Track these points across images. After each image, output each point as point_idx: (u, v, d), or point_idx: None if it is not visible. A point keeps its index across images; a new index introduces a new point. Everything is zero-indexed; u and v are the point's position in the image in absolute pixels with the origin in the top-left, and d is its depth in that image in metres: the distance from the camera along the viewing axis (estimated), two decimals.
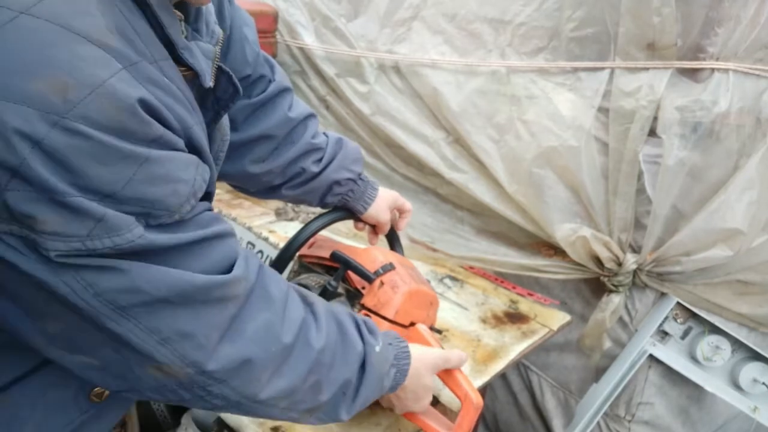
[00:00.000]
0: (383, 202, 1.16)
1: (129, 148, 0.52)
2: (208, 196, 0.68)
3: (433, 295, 1.07)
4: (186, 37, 0.70)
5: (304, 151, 1.06)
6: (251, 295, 0.66)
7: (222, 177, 1.07)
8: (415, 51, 1.70)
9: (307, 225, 1.08)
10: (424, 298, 1.03)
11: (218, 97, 0.75)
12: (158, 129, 0.55)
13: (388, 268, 1.01)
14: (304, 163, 1.06)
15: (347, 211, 1.15)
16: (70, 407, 0.70)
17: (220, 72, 0.72)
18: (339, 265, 1.00)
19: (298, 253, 1.09)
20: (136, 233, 0.54)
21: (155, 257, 0.57)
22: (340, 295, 1.01)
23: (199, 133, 0.63)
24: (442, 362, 0.92)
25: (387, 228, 1.20)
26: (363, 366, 0.77)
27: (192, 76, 0.67)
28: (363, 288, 1.00)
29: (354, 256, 1.01)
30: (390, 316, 0.97)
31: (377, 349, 0.79)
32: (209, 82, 0.66)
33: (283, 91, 1.05)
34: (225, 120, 0.82)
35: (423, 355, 0.89)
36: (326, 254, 1.05)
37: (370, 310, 0.98)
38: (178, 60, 0.64)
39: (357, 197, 1.13)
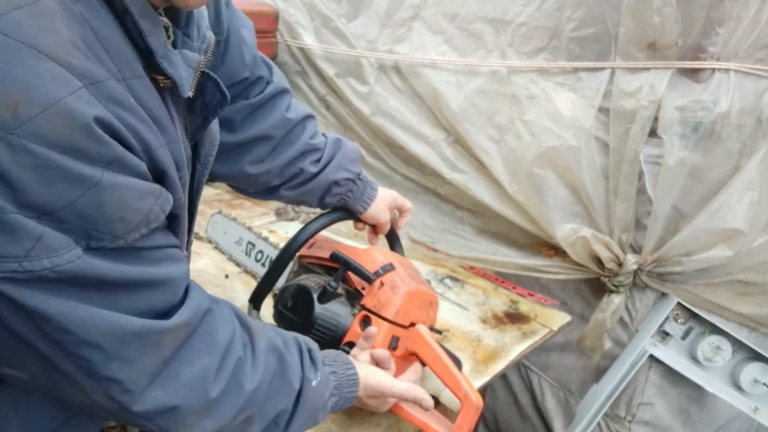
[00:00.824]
0: (382, 202, 1.16)
1: (79, 169, 0.51)
2: (173, 219, 0.67)
3: (432, 295, 1.06)
4: (174, 43, 0.69)
5: (302, 151, 1.06)
6: (191, 339, 0.66)
7: (221, 178, 1.07)
8: (415, 51, 1.70)
9: (306, 225, 1.08)
10: (423, 299, 1.03)
11: (206, 102, 0.74)
12: (117, 150, 0.54)
13: (388, 268, 1.01)
14: (302, 163, 1.06)
15: (347, 211, 1.15)
16: (52, 406, 0.70)
17: (207, 78, 0.71)
18: (339, 266, 1.00)
19: (298, 254, 1.09)
20: (75, 254, 0.53)
21: (92, 290, 0.56)
22: (340, 295, 1.00)
23: (164, 156, 0.61)
24: (377, 391, 0.89)
25: (387, 228, 1.20)
26: (298, 398, 0.77)
27: (170, 85, 0.66)
28: (363, 288, 1.00)
29: (354, 257, 1.01)
30: (390, 316, 0.97)
31: (314, 383, 0.79)
32: (188, 91, 0.65)
33: (281, 92, 1.05)
34: (215, 125, 0.81)
35: (366, 379, 0.88)
36: (326, 255, 1.05)
37: (370, 311, 0.98)
38: (157, 69, 0.63)
39: (356, 197, 1.13)
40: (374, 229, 1.21)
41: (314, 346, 0.84)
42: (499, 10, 1.55)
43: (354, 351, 0.96)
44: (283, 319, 1.01)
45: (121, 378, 0.59)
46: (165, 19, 0.66)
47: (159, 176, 0.62)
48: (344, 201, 1.12)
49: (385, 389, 0.89)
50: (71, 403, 0.65)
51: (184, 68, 0.65)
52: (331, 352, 0.88)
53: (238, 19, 0.97)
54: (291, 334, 0.83)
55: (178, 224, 0.69)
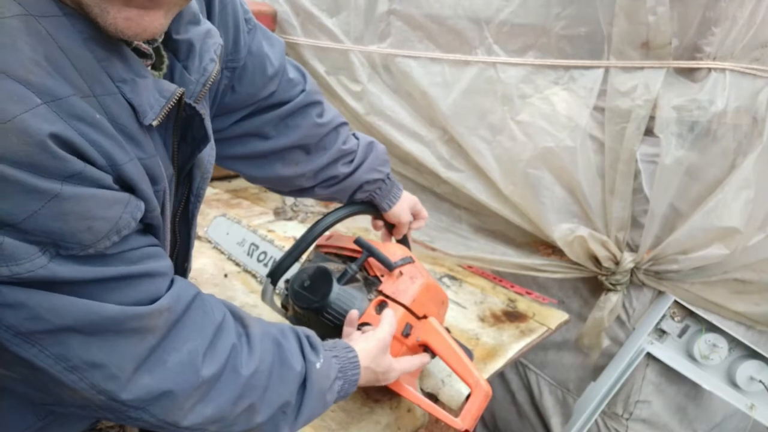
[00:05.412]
0: (405, 203, 1.20)
1: (35, 182, 0.51)
2: (149, 228, 0.68)
3: (445, 294, 1.10)
4: (172, 74, 0.70)
5: (335, 157, 1.08)
6: (177, 326, 0.66)
7: (254, 180, 1.10)
8: (399, 46, 1.69)
9: (334, 211, 1.11)
10: (438, 295, 1.06)
11: (194, 135, 0.74)
12: (76, 165, 0.54)
13: (408, 260, 1.04)
14: (335, 168, 1.09)
15: (373, 206, 1.17)
16: (27, 412, 0.70)
17: (194, 112, 0.72)
18: (361, 252, 1.03)
19: (315, 244, 1.11)
20: (38, 263, 0.54)
21: (62, 287, 0.56)
22: (358, 281, 1.02)
23: (133, 171, 0.61)
24: (388, 339, 0.92)
25: (405, 229, 1.23)
26: (304, 384, 0.77)
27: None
28: (382, 276, 1.03)
29: (376, 246, 1.04)
30: (406, 302, 0.99)
31: (318, 365, 0.79)
32: (151, 119, 0.64)
33: (313, 103, 1.06)
34: (207, 157, 0.82)
35: (367, 351, 0.89)
36: (346, 244, 1.08)
37: (387, 297, 1.00)
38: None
39: (383, 195, 1.16)
40: (391, 230, 1.24)
41: (312, 333, 0.85)
42: (477, 6, 1.54)
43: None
44: (297, 298, 1.02)
45: (103, 361, 0.59)
46: (145, 46, 0.67)
47: (128, 190, 0.62)
48: (372, 197, 1.16)
49: (380, 340, 0.90)
50: (69, 404, 0.63)
51: (153, 96, 0.65)
52: (328, 341, 0.89)
53: (264, 37, 0.98)
54: (287, 325, 0.84)
55: (155, 233, 0.69)
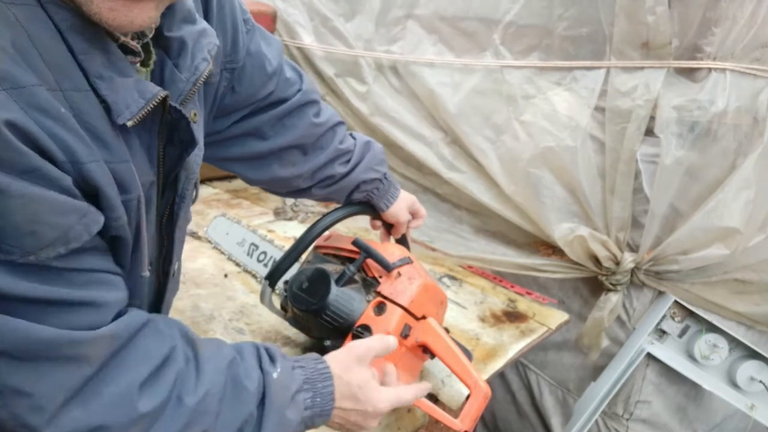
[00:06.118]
0: (403, 202, 1.20)
1: None
2: (116, 241, 0.64)
3: (444, 295, 1.10)
4: (161, 73, 0.68)
5: (332, 157, 1.08)
6: (119, 354, 0.60)
7: (251, 182, 1.10)
8: (411, 50, 1.71)
9: (331, 212, 1.11)
10: (437, 295, 1.06)
11: (180, 138, 0.71)
12: (33, 160, 0.50)
13: (406, 261, 1.04)
14: (332, 167, 1.09)
15: (370, 207, 1.18)
16: None
17: (181, 116, 0.69)
18: (359, 253, 1.03)
19: (313, 245, 1.11)
20: None
21: None
22: (356, 282, 1.02)
23: (97, 172, 0.57)
24: (366, 351, 0.84)
25: (403, 229, 1.23)
26: (263, 401, 0.71)
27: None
28: (380, 277, 1.03)
29: (374, 247, 1.04)
30: (404, 303, 0.99)
31: (275, 375, 0.72)
32: (126, 119, 0.60)
33: (310, 102, 1.06)
34: (194, 158, 0.78)
35: (337, 359, 0.81)
36: (344, 245, 1.08)
37: (386, 298, 1.00)
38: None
39: (381, 195, 1.16)
40: (389, 230, 1.24)
41: (272, 345, 0.79)
42: (488, 7, 1.55)
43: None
44: (296, 300, 1.02)
45: (30, 390, 0.54)
46: (133, 44, 0.64)
47: (91, 193, 0.58)
48: (369, 197, 1.16)
49: (352, 348, 0.83)
50: None
51: (131, 95, 0.60)
52: (298, 356, 0.82)
53: (262, 37, 0.98)
54: (247, 343, 0.78)
55: (122, 246, 0.65)
